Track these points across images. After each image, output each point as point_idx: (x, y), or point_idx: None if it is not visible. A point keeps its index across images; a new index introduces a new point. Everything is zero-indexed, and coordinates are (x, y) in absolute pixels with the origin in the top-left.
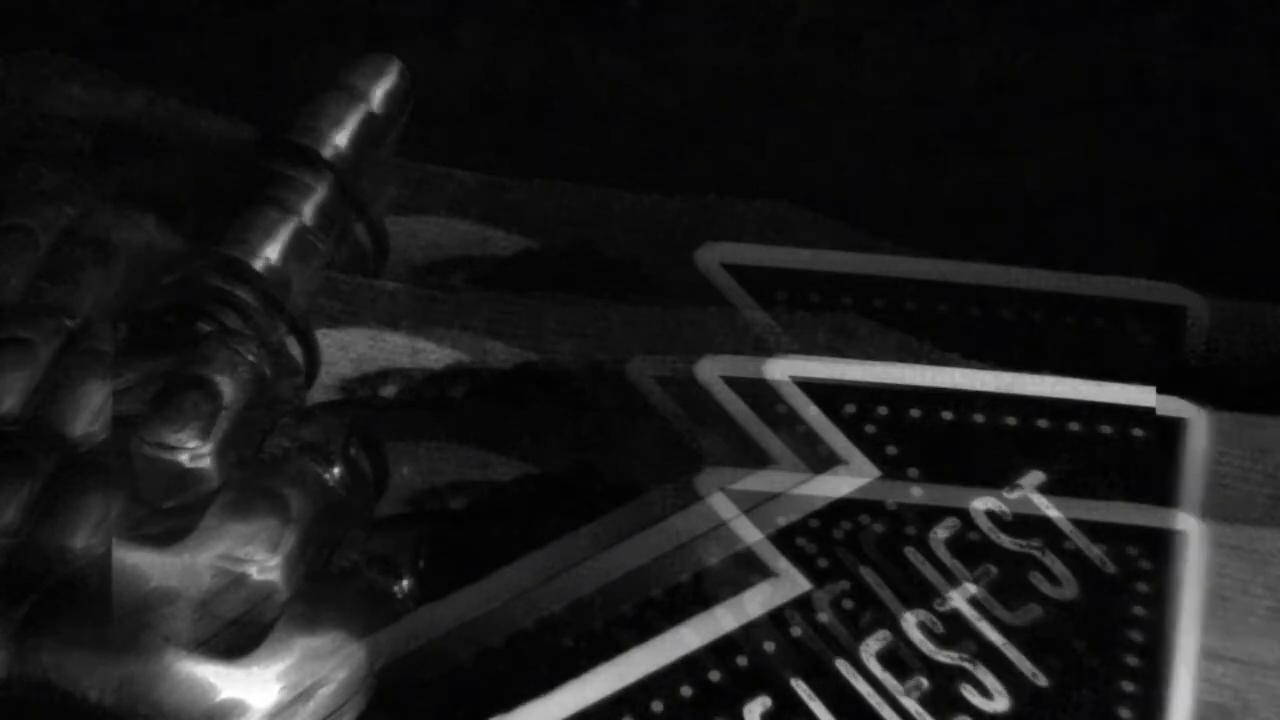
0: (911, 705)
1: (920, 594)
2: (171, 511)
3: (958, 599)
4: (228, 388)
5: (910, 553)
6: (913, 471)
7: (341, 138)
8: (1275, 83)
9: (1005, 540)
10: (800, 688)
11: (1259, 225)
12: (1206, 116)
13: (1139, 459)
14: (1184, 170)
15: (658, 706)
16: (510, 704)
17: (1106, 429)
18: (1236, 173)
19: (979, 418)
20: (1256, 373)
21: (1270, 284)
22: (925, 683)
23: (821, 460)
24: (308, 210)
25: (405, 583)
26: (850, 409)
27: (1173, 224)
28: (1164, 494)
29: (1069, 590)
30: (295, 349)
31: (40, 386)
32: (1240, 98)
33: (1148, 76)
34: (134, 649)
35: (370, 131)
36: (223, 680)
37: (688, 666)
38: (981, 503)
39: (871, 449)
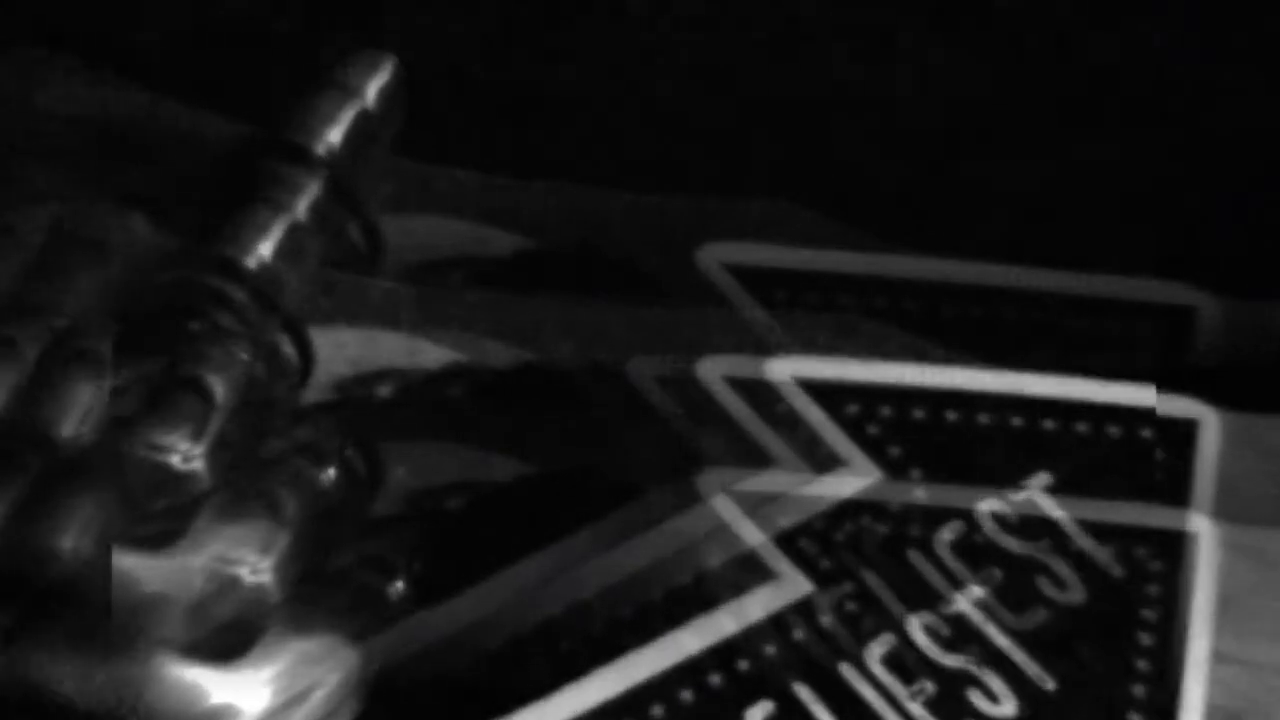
0: (917, 710)
1: (925, 597)
2: (163, 513)
3: (963, 602)
4: (221, 388)
5: (914, 555)
6: (916, 473)
7: (335, 135)
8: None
9: (1011, 543)
10: (803, 692)
11: (1270, 225)
12: (1216, 114)
13: (1148, 460)
14: (1194, 169)
15: (658, 711)
16: (509, 708)
17: (1114, 430)
18: (1248, 172)
19: (984, 419)
20: (1268, 373)
21: None
22: (931, 687)
23: (824, 461)
24: (301, 208)
25: (400, 585)
26: (853, 410)
27: (1183, 223)
28: (1173, 496)
29: (1076, 593)
30: (289, 348)
31: (28, 387)
32: (1249, 95)
33: (1151, 75)
34: (125, 652)
35: (365, 129)
36: (214, 684)
37: (689, 670)
38: (987, 505)
39: (874, 450)
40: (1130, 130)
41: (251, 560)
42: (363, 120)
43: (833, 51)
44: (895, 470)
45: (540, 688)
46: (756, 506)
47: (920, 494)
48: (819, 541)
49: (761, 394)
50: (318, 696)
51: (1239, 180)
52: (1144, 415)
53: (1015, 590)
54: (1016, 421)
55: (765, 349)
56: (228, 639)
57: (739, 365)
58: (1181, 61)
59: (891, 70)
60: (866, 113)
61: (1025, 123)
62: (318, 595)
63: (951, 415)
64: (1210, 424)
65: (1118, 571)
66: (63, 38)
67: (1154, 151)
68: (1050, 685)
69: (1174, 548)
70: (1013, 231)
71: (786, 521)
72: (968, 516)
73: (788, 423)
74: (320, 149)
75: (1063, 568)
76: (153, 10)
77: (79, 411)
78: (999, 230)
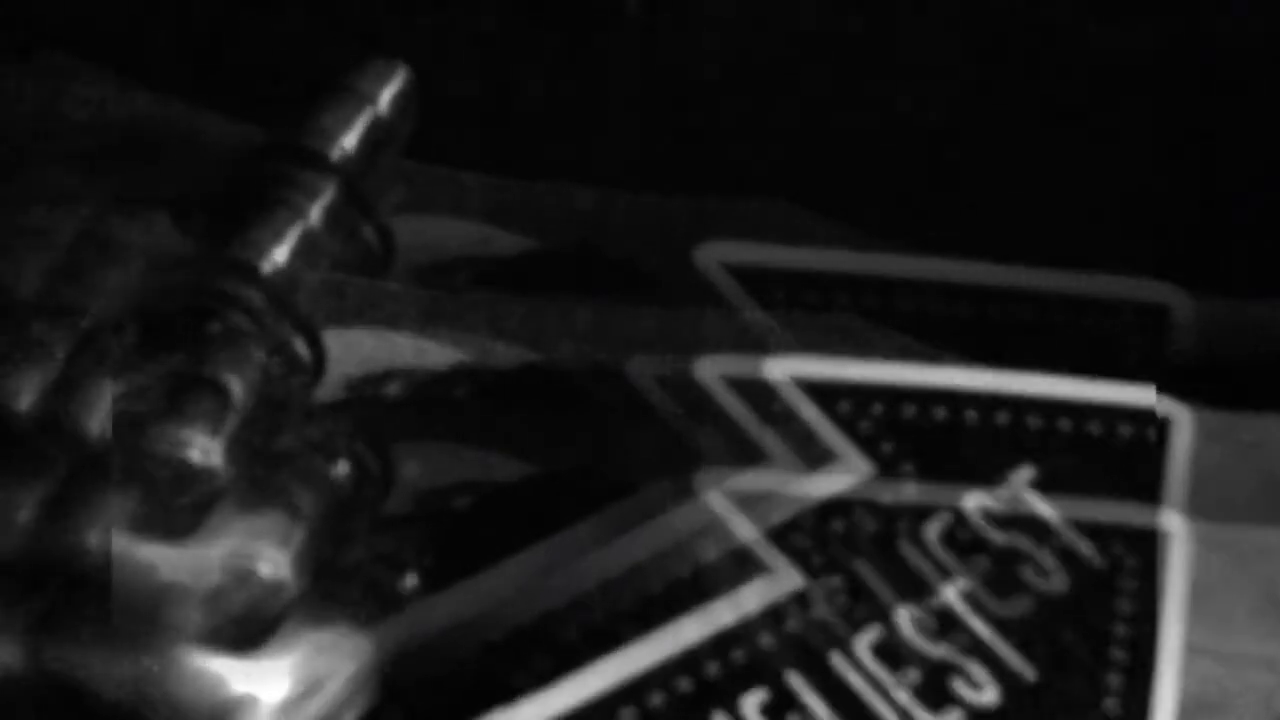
0: (903, 697)
1: (913, 588)
2: (181, 508)
3: (950, 593)
4: (236, 387)
5: (904, 547)
6: (906, 468)
7: (349, 140)
8: (1273, 79)
9: (996, 536)
10: (796, 680)
11: (1247, 223)
12: (1200, 114)
13: (1126, 456)
14: (1174, 168)
15: (657, 700)
16: (511, 697)
17: (1095, 427)
18: (1226, 170)
19: (971, 416)
20: (1242, 370)
21: (1256, 282)
22: (917, 675)
23: (817, 458)
24: (315, 212)
25: (410, 579)
26: (846, 407)
27: (1162, 222)
28: (1151, 491)
29: (1058, 585)
30: (303, 349)
31: (56, 385)
32: (1235, 95)
33: (1145, 75)
34: (145, 644)
35: (377, 134)
36: (232, 674)
37: (686, 660)
38: (974, 499)
39: (866, 447)
40: (1113, 131)
41: (268, 554)
42: (376, 126)
43: (832, 52)
44: (886, 466)
45: (541, 678)
46: (751, 502)
47: (910, 489)
48: (812, 535)
49: (758, 393)
50: (332, 687)
51: (1216, 180)
52: (1123, 412)
53: (1000, 578)
54: (1002, 418)
55: (763, 349)
56: (245, 630)
57: (738, 365)
58: (1172, 61)
59: (891, 70)
60: (866, 113)
61: (1020, 123)
62: (331, 589)
63: (940, 413)
64: (1184, 421)
65: (1098, 564)
66: (67, 41)
67: (1133, 152)
68: (1031, 674)
69: (1150, 542)
70: (1006, 232)
71: (780, 516)
72: (955, 510)
73: (782, 420)
74: (334, 154)
75: (1046, 557)
76: (156, 13)
77: (105, 410)
78: (994, 231)
